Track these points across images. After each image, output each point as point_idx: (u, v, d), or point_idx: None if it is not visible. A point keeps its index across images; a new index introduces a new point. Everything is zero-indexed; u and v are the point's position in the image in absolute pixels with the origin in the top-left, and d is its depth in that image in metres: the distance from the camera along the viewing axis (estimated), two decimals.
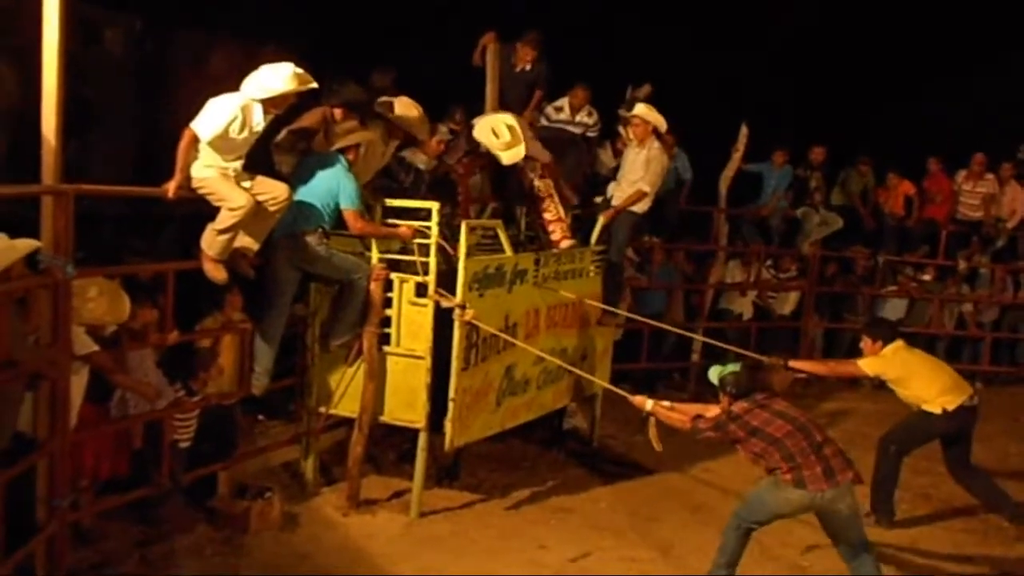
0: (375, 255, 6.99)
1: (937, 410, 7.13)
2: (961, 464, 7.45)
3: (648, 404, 6.28)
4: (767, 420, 5.69)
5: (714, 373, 6.06)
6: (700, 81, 13.52)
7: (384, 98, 7.26)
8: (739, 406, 5.80)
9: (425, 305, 6.92)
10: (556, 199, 8.20)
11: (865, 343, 7.44)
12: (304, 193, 6.57)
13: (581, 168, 9.57)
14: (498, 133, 7.81)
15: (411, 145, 7.68)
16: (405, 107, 7.21)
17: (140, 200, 7.31)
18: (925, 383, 7.20)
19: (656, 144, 8.65)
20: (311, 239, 6.61)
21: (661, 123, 8.64)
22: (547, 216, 8.20)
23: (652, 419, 6.31)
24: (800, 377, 10.32)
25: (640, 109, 8.75)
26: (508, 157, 7.85)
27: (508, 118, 7.98)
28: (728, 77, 14.12)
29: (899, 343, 7.33)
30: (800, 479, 5.56)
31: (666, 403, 6.35)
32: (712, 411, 6.08)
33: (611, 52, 12.76)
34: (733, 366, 6.03)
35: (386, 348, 7.05)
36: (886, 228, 12.56)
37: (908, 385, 7.23)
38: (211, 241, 6.09)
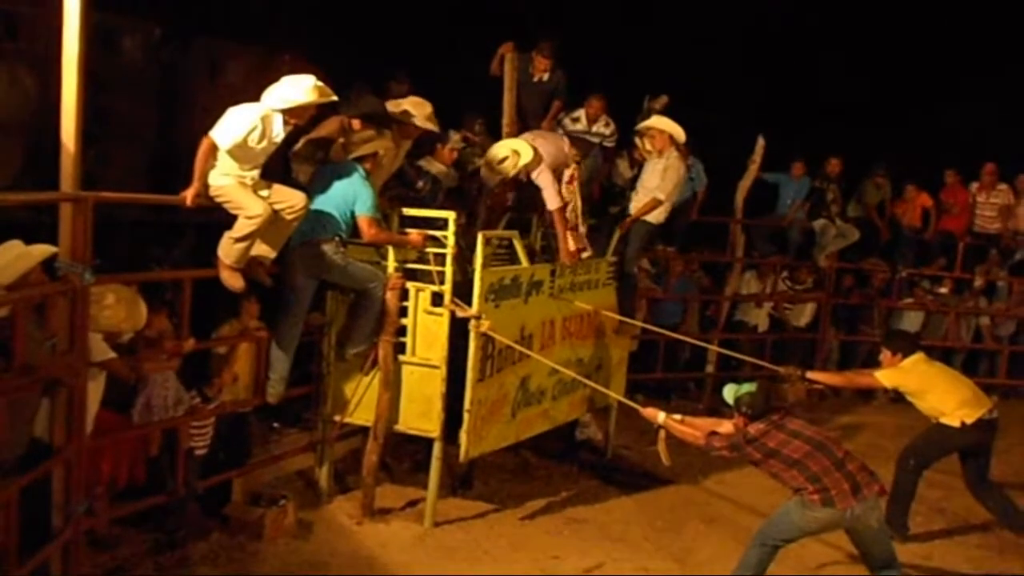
0: (391, 264, 7.00)
1: (956, 423, 7.09)
2: (979, 478, 7.40)
3: (660, 417, 6.24)
4: (784, 441, 5.65)
5: (729, 393, 5.96)
6: (715, 91, 13.53)
7: (392, 101, 7.25)
8: (755, 427, 5.74)
9: (441, 315, 6.93)
10: (576, 208, 8.06)
11: (884, 355, 7.39)
12: (321, 202, 6.57)
13: (596, 177, 9.55)
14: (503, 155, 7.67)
15: (428, 154, 7.69)
16: (413, 104, 7.16)
17: (158, 207, 7.35)
18: (944, 396, 7.16)
19: (675, 153, 8.63)
20: (328, 248, 6.60)
21: (678, 132, 8.63)
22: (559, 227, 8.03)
23: (662, 432, 6.27)
24: (816, 389, 10.31)
25: (656, 120, 8.74)
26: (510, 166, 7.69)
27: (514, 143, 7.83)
28: (745, 88, 14.13)
29: (919, 355, 7.29)
30: (828, 498, 5.52)
31: (678, 416, 6.31)
32: (725, 426, 6.03)
33: (627, 62, 12.77)
34: (749, 386, 5.92)
35: (401, 357, 7.05)
36: (903, 240, 12.50)
37: (927, 397, 7.19)
38: (228, 249, 6.11)
